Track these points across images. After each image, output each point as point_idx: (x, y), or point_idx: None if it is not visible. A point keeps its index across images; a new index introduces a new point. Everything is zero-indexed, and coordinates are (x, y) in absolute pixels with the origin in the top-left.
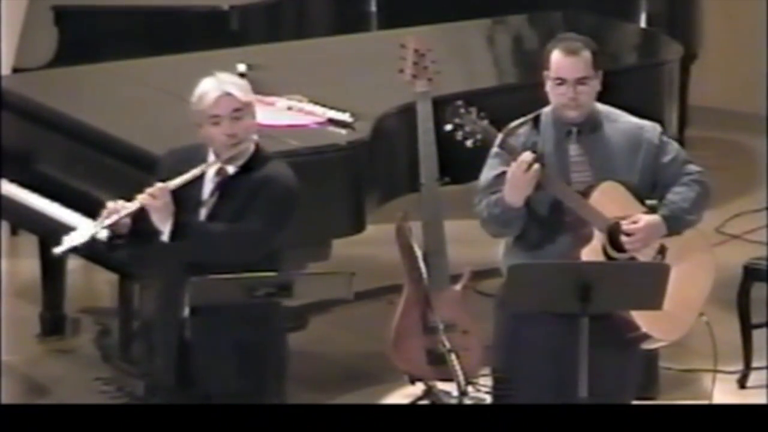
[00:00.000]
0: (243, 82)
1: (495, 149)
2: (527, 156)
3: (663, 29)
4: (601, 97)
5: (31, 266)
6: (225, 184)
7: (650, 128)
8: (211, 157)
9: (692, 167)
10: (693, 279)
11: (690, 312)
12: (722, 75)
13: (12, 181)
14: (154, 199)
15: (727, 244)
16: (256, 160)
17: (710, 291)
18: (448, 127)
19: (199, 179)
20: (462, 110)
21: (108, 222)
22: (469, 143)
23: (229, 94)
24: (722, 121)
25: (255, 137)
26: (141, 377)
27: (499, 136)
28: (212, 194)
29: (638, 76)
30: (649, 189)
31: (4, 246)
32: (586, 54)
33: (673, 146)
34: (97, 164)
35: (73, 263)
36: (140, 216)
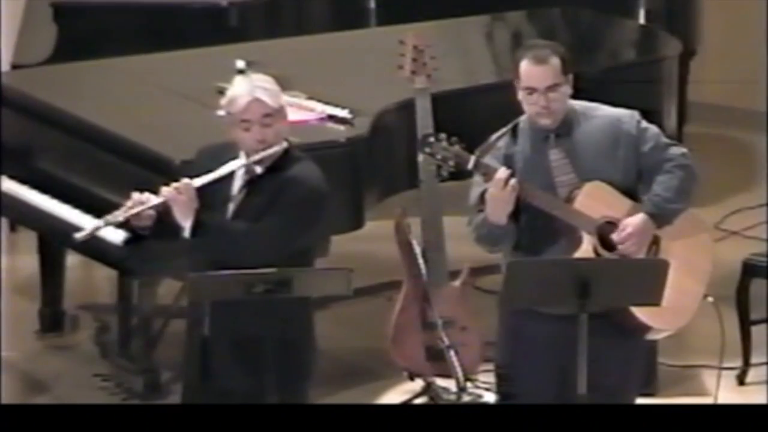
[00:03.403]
0: (274, 86)
1: None
2: (502, 174)
3: (662, 25)
4: (600, 95)
5: (30, 263)
6: (252, 182)
7: (627, 118)
8: (241, 157)
9: (674, 151)
10: (691, 264)
11: (692, 297)
12: (721, 71)
13: (11, 177)
14: (179, 194)
15: (726, 241)
16: (285, 161)
17: (711, 280)
18: (420, 158)
19: (230, 176)
20: (431, 139)
21: (133, 211)
22: (443, 171)
23: (259, 100)
24: (721, 117)
25: (284, 144)
26: (140, 373)
27: (472, 159)
28: (240, 192)
29: (637, 73)
30: (634, 179)
31: (4, 242)
32: (555, 61)
33: (652, 132)
34: (96, 161)
35: (73, 259)
36: (166, 211)
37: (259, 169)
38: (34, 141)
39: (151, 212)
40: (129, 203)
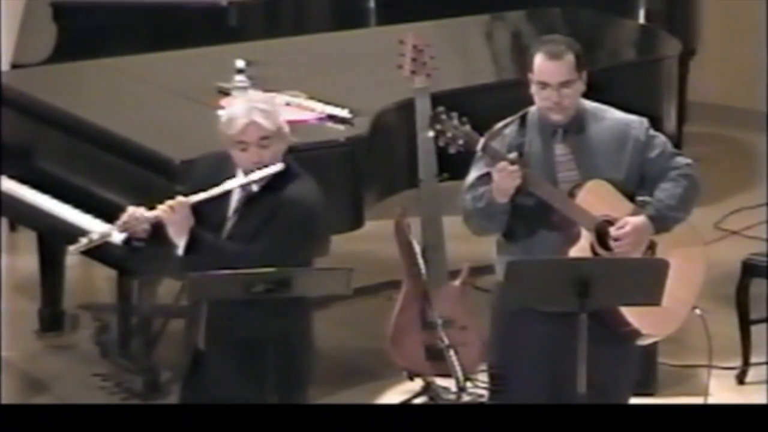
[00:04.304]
0: (273, 107)
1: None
2: (507, 162)
3: (661, 25)
4: (600, 94)
5: (29, 262)
6: (249, 201)
7: (637, 124)
8: (239, 174)
9: (680, 160)
10: (684, 273)
11: (683, 306)
12: (721, 71)
13: (11, 177)
14: (173, 213)
15: (726, 240)
16: (282, 179)
17: (705, 284)
18: (430, 133)
19: (227, 193)
20: (443, 116)
21: (125, 228)
22: (451, 149)
23: (255, 123)
24: (721, 117)
25: (280, 165)
26: (139, 373)
27: (481, 141)
28: (236, 209)
29: (637, 73)
30: (636, 184)
31: (4, 242)
32: (570, 57)
33: (660, 140)
34: (96, 161)
35: (72, 259)
36: (160, 224)
37: (255, 187)
38: (34, 141)
39: (146, 226)
40: (124, 217)
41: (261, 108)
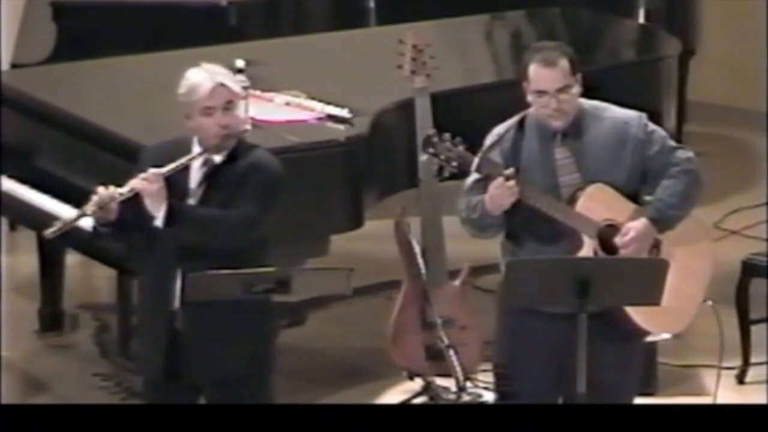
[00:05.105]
0: (229, 72)
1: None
2: (502, 180)
3: (661, 25)
4: (600, 94)
5: (29, 262)
6: (212, 173)
7: (636, 122)
8: (197, 148)
9: (680, 155)
10: (691, 269)
11: (691, 302)
12: (721, 71)
13: (11, 176)
14: (149, 184)
15: (725, 240)
16: (241, 149)
17: (710, 280)
18: (424, 157)
19: (185, 170)
20: (435, 139)
21: (100, 206)
22: (446, 172)
23: (223, 85)
24: (721, 116)
25: (248, 127)
26: (139, 373)
27: (475, 161)
28: (200, 184)
29: (637, 72)
30: (639, 182)
31: (4, 242)
32: (564, 63)
33: (659, 135)
34: (95, 160)
35: (72, 259)
36: (128, 204)
37: (218, 158)
38: (33, 140)
39: (115, 206)
40: (97, 197)
41: (222, 72)
